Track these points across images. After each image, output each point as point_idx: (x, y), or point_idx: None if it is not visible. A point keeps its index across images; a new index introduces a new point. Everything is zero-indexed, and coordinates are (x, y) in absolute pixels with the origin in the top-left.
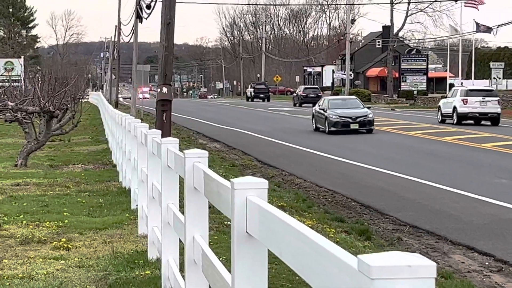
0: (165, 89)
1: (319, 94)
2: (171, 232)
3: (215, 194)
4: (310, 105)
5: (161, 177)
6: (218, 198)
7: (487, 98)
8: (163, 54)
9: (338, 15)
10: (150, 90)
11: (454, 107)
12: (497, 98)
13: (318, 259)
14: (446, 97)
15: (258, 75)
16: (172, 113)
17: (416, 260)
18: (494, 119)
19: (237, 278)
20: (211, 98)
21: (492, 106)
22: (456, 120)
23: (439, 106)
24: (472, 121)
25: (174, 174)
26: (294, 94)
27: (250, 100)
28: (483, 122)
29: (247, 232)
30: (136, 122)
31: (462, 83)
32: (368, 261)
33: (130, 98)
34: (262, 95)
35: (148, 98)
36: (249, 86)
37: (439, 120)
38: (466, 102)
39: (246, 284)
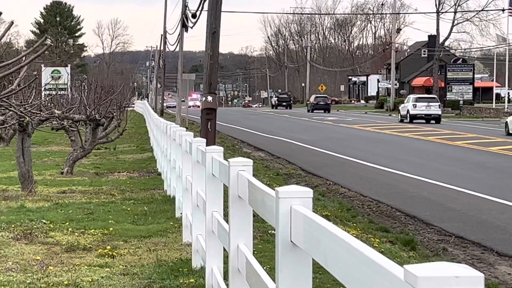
0: (210, 98)
1: (328, 102)
2: (215, 241)
3: (259, 202)
4: (322, 111)
5: (205, 185)
6: (262, 206)
7: (431, 104)
8: (208, 63)
9: (384, 24)
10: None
11: (407, 110)
12: (438, 103)
13: (364, 269)
14: (403, 103)
15: (303, 84)
16: (216, 122)
17: (463, 271)
18: (436, 119)
19: (281, 287)
20: (256, 107)
21: (434, 109)
22: (409, 119)
23: (399, 109)
24: (423, 121)
25: (219, 183)
26: (308, 102)
27: (274, 108)
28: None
29: (291, 241)
30: (181, 131)
31: (509, 93)
32: (415, 272)
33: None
34: (284, 103)
35: (199, 107)
36: (274, 96)
37: (399, 120)
38: (415, 106)
39: None
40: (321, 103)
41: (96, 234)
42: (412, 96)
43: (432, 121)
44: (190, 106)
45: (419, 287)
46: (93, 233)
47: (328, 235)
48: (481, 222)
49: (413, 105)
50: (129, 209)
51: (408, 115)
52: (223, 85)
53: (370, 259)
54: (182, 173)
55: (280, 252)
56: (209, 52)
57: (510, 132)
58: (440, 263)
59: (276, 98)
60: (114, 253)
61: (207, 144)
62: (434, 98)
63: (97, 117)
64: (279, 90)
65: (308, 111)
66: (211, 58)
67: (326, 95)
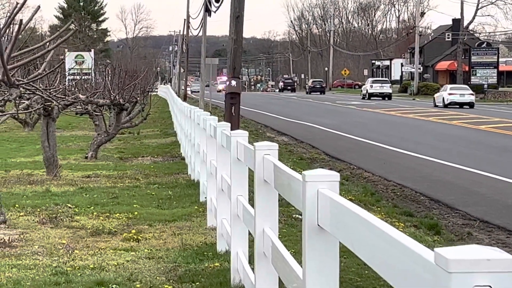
0: (234, 82)
1: (323, 85)
2: (240, 225)
3: (285, 186)
4: (318, 93)
5: (230, 169)
6: (288, 190)
7: (383, 84)
8: (232, 48)
9: (408, 8)
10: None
11: (366, 90)
12: (389, 84)
13: (392, 252)
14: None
15: (326, 69)
16: (240, 106)
17: (495, 253)
18: (388, 96)
19: (308, 270)
20: (270, 90)
21: (386, 89)
22: (367, 97)
23: (361, 90)
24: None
25: (244, 167)
26: (306, 85)
27: (281, 91)
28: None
29: (318, 225)
30: (205, 115)
31: None
32: (446, 254)
33: (198, 91)
34: (289, 87)
35: None
36: (280, 81)
37: (362, 98)
38: (372, 86)
39: (317, 277)
40: (317, 86)
41: (121, 218)
42: (370, 79)
43: (466, 106)
44: (219, 91)
45: (450, 270)
46: (118, 217)
47: (355, 218)
48: (507, 206)
49: (370, 85)
50: (153, 193)
51: (367, 94)
52: (246, 70)
53: (399, 242)
54: (207, 158)
55: (307, 235)
56: (233, 36)
57: (363, 94)
58: (471, 246)
59: (282, 83)
60: (139, 237)
61: (231, 129)
62: (386, 80)
63: (121, 101)
64: (285, 76)
65: (307, 93)
66: (235, 42)
67: (321, 79)
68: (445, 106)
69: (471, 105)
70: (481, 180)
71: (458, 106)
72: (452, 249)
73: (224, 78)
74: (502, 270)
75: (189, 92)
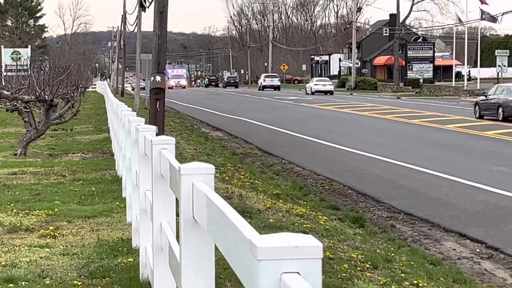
0: (158, 78)
1: (236, 81)
2: (147, 219)
3: (173, 180)
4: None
5: (138, 164)
6: (174, 184)
7: (326, 82)
8: (156, 43)
9: (346, 3)
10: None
11: (310, 88)
12: (330, 82)
13: (241, 247)
14: (315, 83)
15: (266, 64)
16: (177, 102)
17: (303, 240)
18: (330, 92)
19: (184, 262)
20: (196, 86)
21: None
22: (311, 93)
23: (305, 88)
24: (322, 93)
25: (149, 161)
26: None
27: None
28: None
29: (193, 218)
30: (126, 110)
31: (469, 71)
32: (256, 242)
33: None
34: (213, 83)
35: (183, 86)
36: (206, 78)
37: (306, 93)
38: (316, 85)
39: (193, 271)
40: (231, 81)
41: (41, 215)
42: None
43: (328, 94)
44: (171, 87)
45: (259, 257)
46: (37, 214)
47: (217, 211)
48: (431, 199)
49: (314, 84)
50: (76, 189)
51: (310, 91)
52: (187, 65)
53: (240, 232)
54: (126, 152)
55: (182, 228)
56: (157, 31)
57: (307, 91)
58: (284, 234)
59: (207, 80)
60: (56, 234)
61: (157, 124)
62: (328, 79)
63: (47, 98)
64: (210, 74)
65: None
66: (159, 37)
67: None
68: (312, 93)
69: (331, 92)
70: (409, 173)
71: (322, 93)
72: (263, 237)
73: (178, 72)
74: (310, 257)
75: (129, 88)
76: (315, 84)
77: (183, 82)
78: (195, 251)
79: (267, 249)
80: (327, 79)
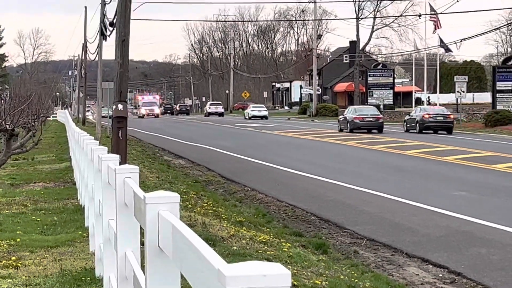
0: (120, 106)
1: (188, 108)
2: (111, 249)
3: (137, 209)
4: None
5: (101, 193)
6: (139, 213)
7: (261, 108)
8: (118, 72)
9: (306, 30)
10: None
11: (248, 113)
12: (264, 108)
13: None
14: (251, 109)
15: (227, 92)
16: (139, 130)
17: (272, 269)
18: (265, 117)
19: None
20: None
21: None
22: (248, 118)
23: (244, 113)
24: (259, 118)
25: (113, 191)
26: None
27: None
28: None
29: (159, 246)
30: (88, 139)
31: (429, 97)
32: (224, 271)
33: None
34: (169, 111)
35: (156, 115)
36: (162, 105)
37: (245, 118)
38: (252, 110)
39: None
40: (183, 109)
41: (2, 245)
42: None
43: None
44: (142, 116)
45: (227, 286)
46: None
47: (184, 240)
48: (394, 224)
49: (251, 110)
50: (39, 219)
51: (248, 116)
52: (148, 93)
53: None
54: (89, 181)
55: (148, 257)
56: (118, 60)
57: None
58: (253, 262)
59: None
60: (18, 264)
61: (119, 153)
62: (262, 106)
63: (8, 127)
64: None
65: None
66: (121, 66)
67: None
68: (250, 118)
69: (265, 117)
70: (371, 199)
71: (259, 118)
72: (232, 266)
73: (149, 99)
74: (278, 285)
75: (90, 117)
76: (252, 110)
77: (157, 110)
78: (161, 280)
79: (236, 278)
80: (262, 105)
